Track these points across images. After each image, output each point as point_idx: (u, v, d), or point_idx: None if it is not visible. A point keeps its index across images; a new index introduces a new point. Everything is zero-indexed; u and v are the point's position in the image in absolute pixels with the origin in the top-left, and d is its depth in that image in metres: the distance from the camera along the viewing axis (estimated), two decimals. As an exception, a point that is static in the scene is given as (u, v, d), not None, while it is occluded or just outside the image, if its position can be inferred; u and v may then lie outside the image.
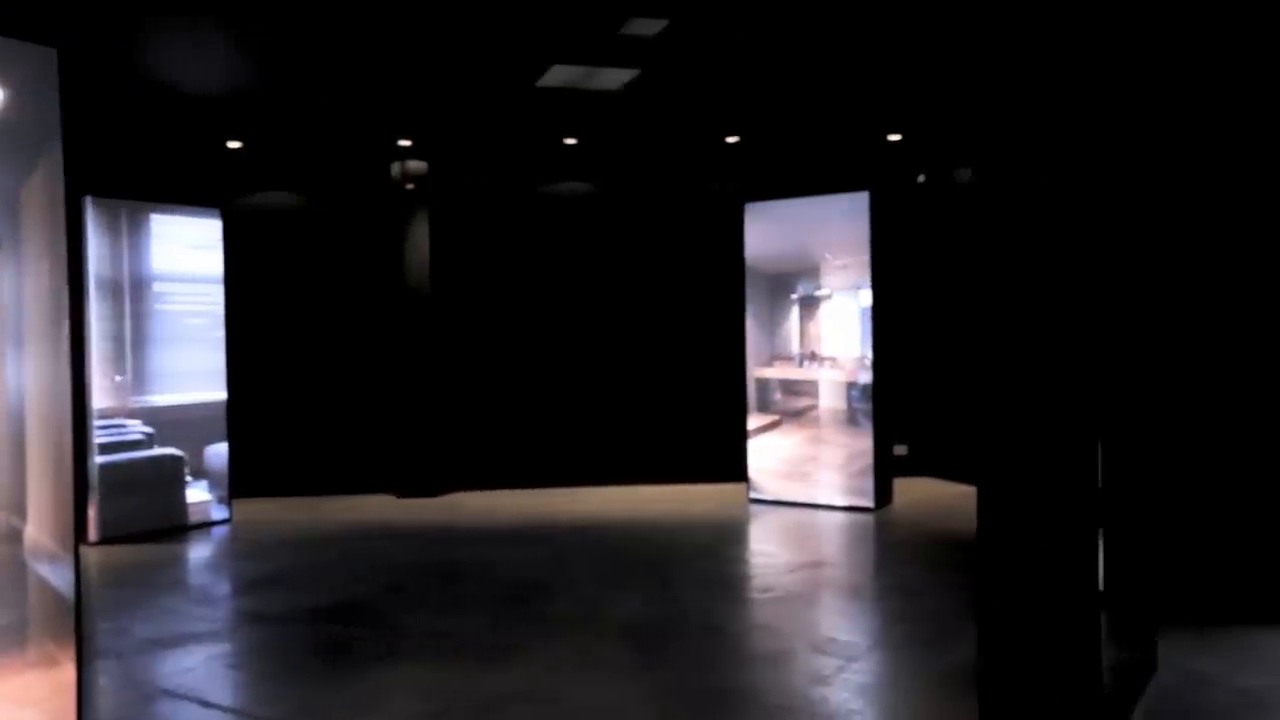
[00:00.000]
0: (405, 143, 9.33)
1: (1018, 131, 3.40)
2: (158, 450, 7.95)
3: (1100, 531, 3.53)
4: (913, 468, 9.82)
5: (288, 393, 9.65)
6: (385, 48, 6.75)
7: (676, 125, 8.98)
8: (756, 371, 9.03)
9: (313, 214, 9.76)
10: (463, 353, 9.85)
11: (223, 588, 6.51)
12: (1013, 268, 3.37)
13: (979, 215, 3.39)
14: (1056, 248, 3.36)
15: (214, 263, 8.36)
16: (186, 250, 8.24)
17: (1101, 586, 3.62)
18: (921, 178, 10.15)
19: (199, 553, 7.38)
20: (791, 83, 7.65)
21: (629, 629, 5.11)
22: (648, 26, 6.36)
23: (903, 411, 9.46)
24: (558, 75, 7.34)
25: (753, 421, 8.99)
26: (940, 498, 8.84)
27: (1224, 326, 5.22)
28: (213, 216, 8.39)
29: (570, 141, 9.47)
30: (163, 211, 8.13)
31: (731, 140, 9.39)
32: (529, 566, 6.58)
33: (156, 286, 8.06)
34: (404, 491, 9.47)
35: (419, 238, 9.65)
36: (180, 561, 7.14)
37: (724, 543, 7.40)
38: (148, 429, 7.93)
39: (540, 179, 10.04)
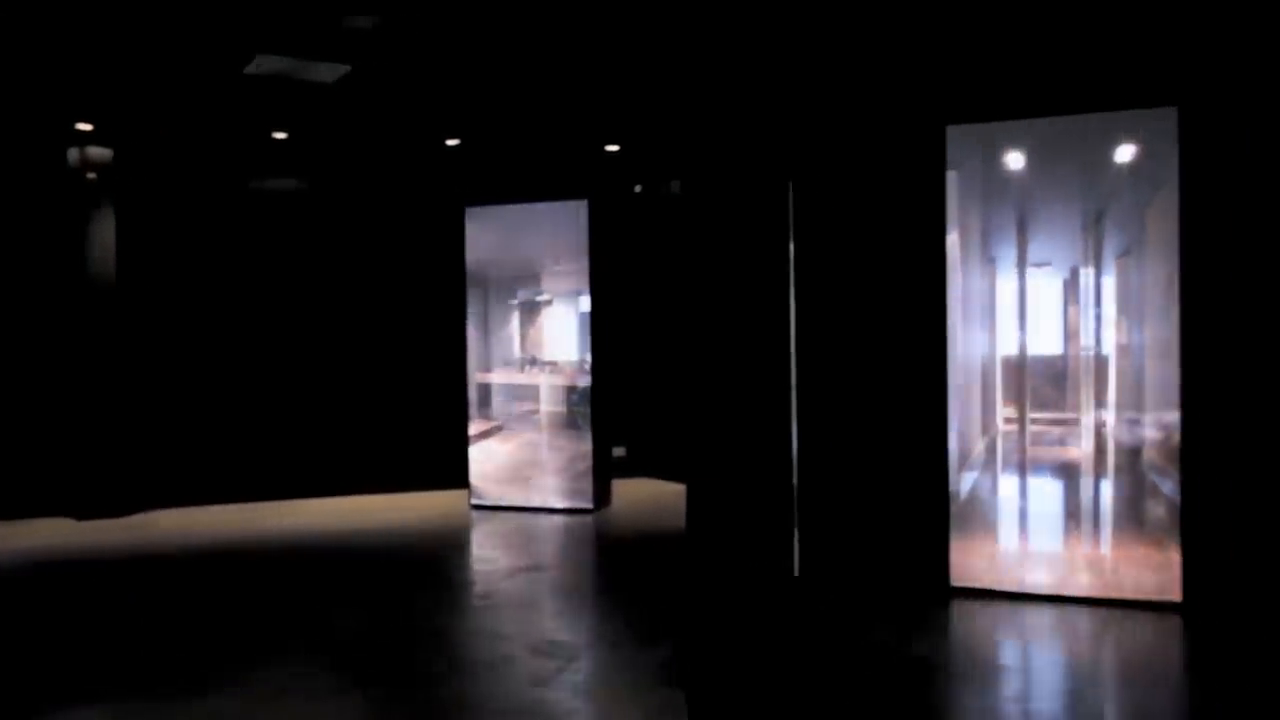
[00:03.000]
0: (85, 127, 8.41)
1: (716, 146, 3.61)
2: None
3: (796, 523, 3.84)
4: (631, 469, 10.17)
5: (-63, 405, 8.41)
6: (55, 15, 6.05)
7: (395, 124, 8.75)
8: (477, 376, 8.97)
9: (-31, 201, 8.57)
10: (158, 356, 9.03)
11: None
12: (711, 278, 3.58)
13: (684, 226, 3.57)
14: (753, 260, 3.61)
15: None
16: None
17: (797, 572, 3.93)
18: (638, 188, 10.54)
19: None
20: (511, 88, 7.68)
21: (343, 645, 4.89)
22: (362, 21, 6.14)
23: (621, 414, 9.76)
24: (265, 64, 6.92)
25: (474, 427, 8.94)
26: (657, 497, 9.20)
27: (894, 342, 5.83)
28: None
29: (280, 136, 8.95)
30: None
31: (452, 143, 9.28)
32: (233, 587, 6.13)
33: None
34: (84, 512, 8.51)
35: (103, 232, 8.74)
36: None
37: (444, 550, 7.29)
38: None
39: (247, 173, 9.42)
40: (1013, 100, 5.58)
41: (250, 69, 7.00)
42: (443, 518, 8.41)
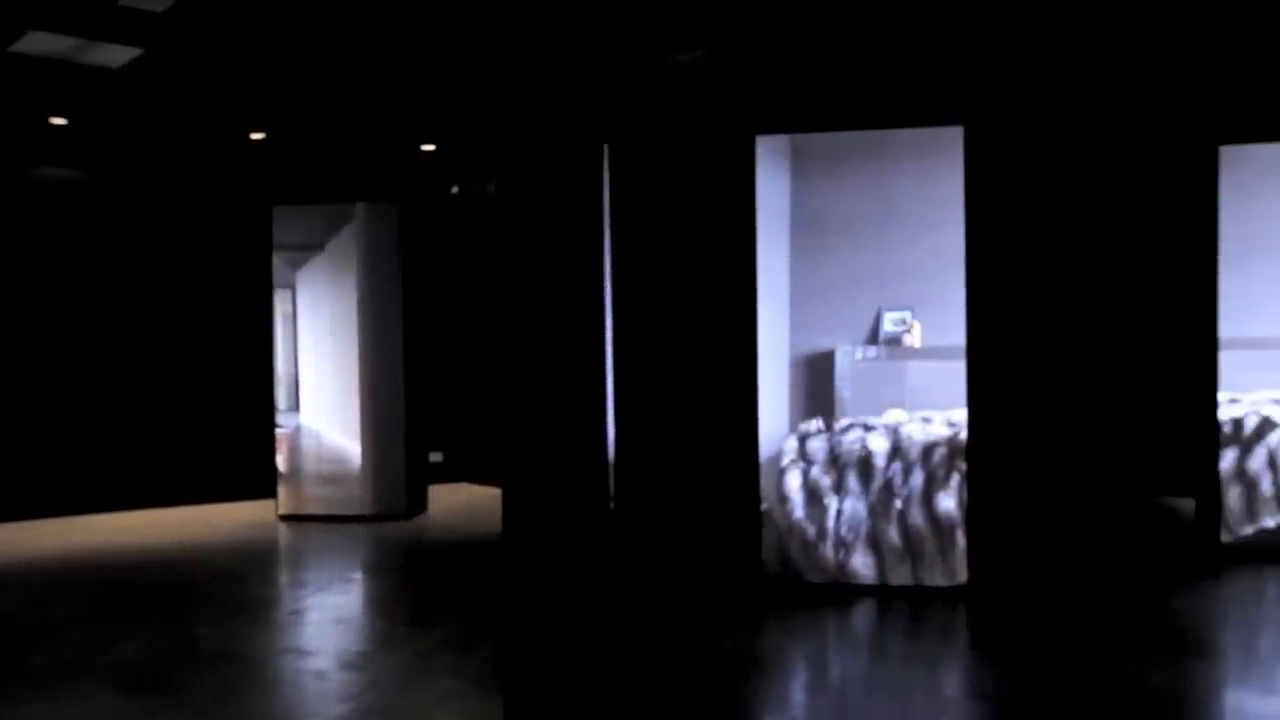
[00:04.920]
0: None
1: (531, 150, 3.60)
2: None
3: (612, 522, 3.87)
4: (449, 474, 9.99)
5: None
6: None
7: (193, 114, 8.24)
8: (285, 381, 8.59)
9: None
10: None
11: None
12: (526, 280, 3.56)
13: (499, 226, 3.54)
14: (568, 263, 3.62)
15: None
16: None
17: (612, 571, 3.96)
18: (455, 189, 10.38)
19: None
20: (321, 79, 7.39)
21: (131, 671, 4.55)
22: (154, 4, 5.75)
23: (438, 419, 9.58)
24: (38, 43, 6.35)
25: (281, 434, 8.54)
26: (475, 502, 9.07)
27: (706, 345, 5.99)
28: None
29: (59, 121, 8.25)
30: None
31: (257, 137, 8.83)
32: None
33: None
34: None
35: None
36: None
37: (248, 564, 6.91)
38: None
39: (19, 160, 8.63)
40: (817, 114, 5.85)
41: (20, 46, 6.42)
42: (247, 530, 7.98)
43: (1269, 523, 6.27)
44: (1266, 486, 6.27)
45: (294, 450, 8.54)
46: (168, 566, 6.76)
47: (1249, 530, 6.30)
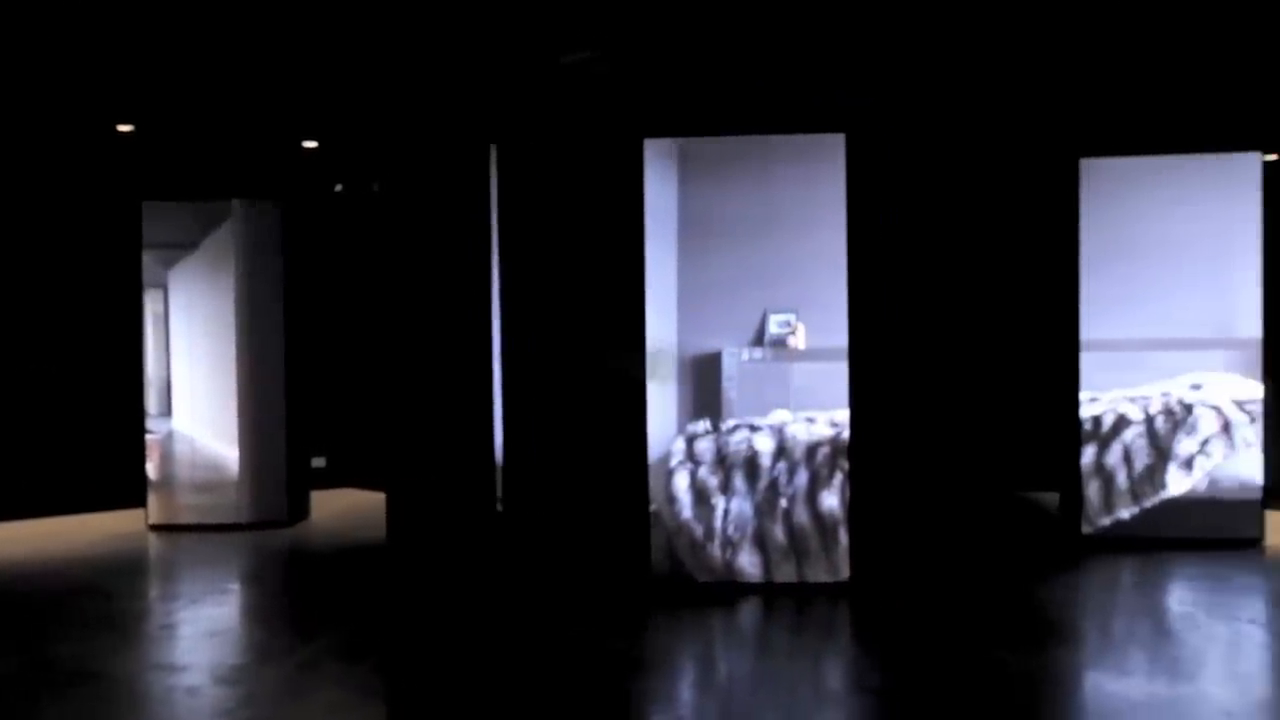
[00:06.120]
0: None
1: (416, 146, 3.54)
2: None
3: (500, 526, 3.84)
4: (332, 479, 9.74)
5: None
6: None
7: (55, 102, 7.81)
8: (156, 383, 8.22)
9: None
10: None
11: None
12: (412, 281, 3.51)
13: (383, 227, 3.47)
14: (455, 264, 3.58)
15: None
16: None
17: (500, 574, 3.93)
18: (339, 187, 10.13)
19: None
20: (196, 72, 7.11)
21: (-17, 694, 4.27)
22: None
23: (321, 422, 9.32)
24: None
25: (151, 439, 8.17)
26: (359, 507, 8.86)
27: (594, 346, 6.00)
28: None
29: (-97, 107, 7.72)
30: None
31: (125, 129, 8.43)
32: None
33: None
34: None
35: None
36: None
37: (114, 577, 6.57)
38: None
39: None
40: (705, 119, 5.94)
41: None
42: (114, 541, 7.60)
43: (1124, 514, 6.66)
44: (1121, 480, 6.66)
45: (165, 457, 8.17)
46: (23, 581, 6.37)
47: (1106, 521, 6.68)
